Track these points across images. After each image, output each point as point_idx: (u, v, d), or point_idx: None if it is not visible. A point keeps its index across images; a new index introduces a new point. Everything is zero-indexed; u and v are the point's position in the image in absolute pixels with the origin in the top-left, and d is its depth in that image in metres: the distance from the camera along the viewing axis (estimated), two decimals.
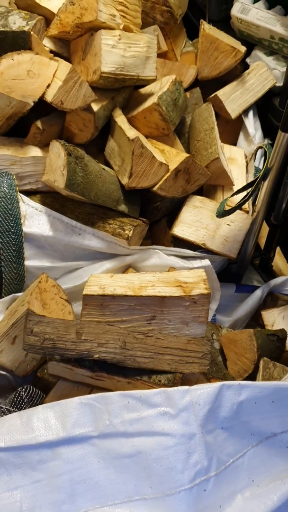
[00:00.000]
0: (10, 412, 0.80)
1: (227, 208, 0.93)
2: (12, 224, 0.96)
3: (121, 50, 0.99)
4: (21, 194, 0.99)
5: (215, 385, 0.72)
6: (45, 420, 0.72)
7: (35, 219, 0.99)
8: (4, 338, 0.89)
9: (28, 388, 0.85)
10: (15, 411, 0.80)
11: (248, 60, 1.29)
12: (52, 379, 0.88)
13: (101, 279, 0.88)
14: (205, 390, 0.71)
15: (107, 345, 0.76)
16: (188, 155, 1.01)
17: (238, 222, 1.03)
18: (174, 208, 1.11)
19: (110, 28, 0.99)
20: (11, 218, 0.96)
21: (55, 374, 0.81)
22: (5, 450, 0.69)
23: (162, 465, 0.70)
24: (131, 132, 0.99)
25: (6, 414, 0.79)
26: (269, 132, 1.23)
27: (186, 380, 0.81)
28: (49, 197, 1.04)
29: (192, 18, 1.46)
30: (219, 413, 0.72)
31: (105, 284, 0.86)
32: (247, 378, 0.93)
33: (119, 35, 0.99)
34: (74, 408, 0.72)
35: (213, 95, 1.18)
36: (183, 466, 0.69)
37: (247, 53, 1.24)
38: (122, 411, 0.71)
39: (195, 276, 0.86)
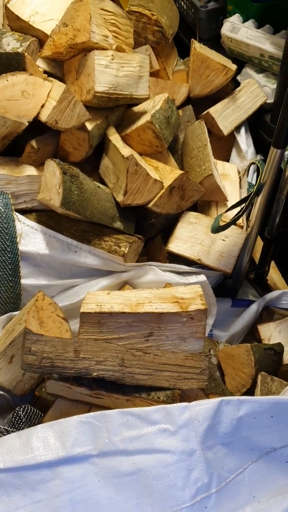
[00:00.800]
0: (8, 432, 0.79)
1: (221, 223, 0.94)
2: (8, 243, 0.96)
3: (114, 70, 1.01)
4: (16, 213, 1.00)
5: (214, 401, 0.72)
6: (44, 439, 0.71)
7: (31, 237, 1.00)
8: (2, 357, 0.89)
9: (26, 408, 0.84)
10: (14, 431, 0.80)
11: (239, 77, 1.31)
12: (50, 398, 0.87)
13: (98, 296, 0.88)
14: (204, 406, 0.71)
15: (106, 363, 0.76)
16: (182, 172, 1.03)
17: (233, 237, 1.04)
18: (169, 225, 1.12)
19: (103, 49, 1.01)
20: (7, 237, 0.96)
21: (54, 393, 0.80)
22: (4, 471, 0.69)
23: (163, 482, 0.69)
24: (125, 150, 1.00)
25: (4, 435, 0.79)
26: (261, 148, 1.25)
27: (185, 396, 0.81)
28: (44, 215, 1.04)
29: (183, 37, 1.49)
30: (218, 429, 0.72)
31: (102, 301, 0.86)
32: (245, 393, 0.93)
33: (112, 55, 1.00)
34: (73, 427, 0.72)
35: (205, 112, 1.19)
36: (183, 483, 0.69)
37: (238, 71, 1.26)
38: (121, 429, 0.71)
39: (191, 292, 0.86)
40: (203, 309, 0.82)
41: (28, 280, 1.00)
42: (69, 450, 0.71)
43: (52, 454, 0.70)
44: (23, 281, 0.99)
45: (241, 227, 1.06)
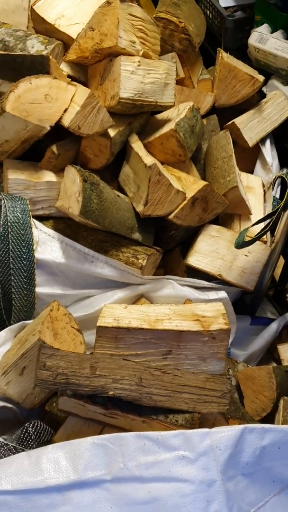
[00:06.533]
0: (17, 450, 0.76)
1: (246, 239, 0.90)
2: (24, 250, 0.93)
3: (140, 76, 0.98)
4: (34, 220, 0.97)
5: (236, 428, 0.68)
6: (55, 461, 0.68)
7: (48, 245, 0.97)
8: (12, 369, 0.85)
9: (36, 424, 0.81)
10: (22, 449, 0.76)
11: (264, 89, 1.28)
12: (61, 414, 0.83)
13: (115, 310, 0.84)
14: (226, 434, 0.67)
15: (123, 381, 0.72)
16: (206, 183, 0.99)
17: (256, 253, 1.00)
18: (188, 237, 1.08)
19: (130, 54, 0.98)
20: (23, 244, 0.93)
21: (66, 410, 0.77)
22: (13, 493, 0.65)
23: None
24: (148, 159, 0.97)
25: (12, 452, 0.75)
26: (285, 161, 1.21)
27: (203, 419, 0.77)
28: (61, 223, 1.01)
29: (207, 46, 1.46)
30: (240, 458, 0.68)
31: (120, 315, 0.83)
32: (265, 417, 0.88)
33: (139, 61, 0.97)
34: (86, 449, 0.68)
35: (230, 122, 1.16)
36: None
37: (264, 82, 1.23)
38: (137, 454, 0.67)
39: (213, 310, 0.82)
40: (226, 329, 0.79)
41: (42, 288, 0.97)
42: (81, 474, 0.67)
43: (63, 478, 0.66)
44: (38, 290, 0.96)
45: (265, 242, 1.02)
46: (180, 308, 0.84)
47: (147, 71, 0.99)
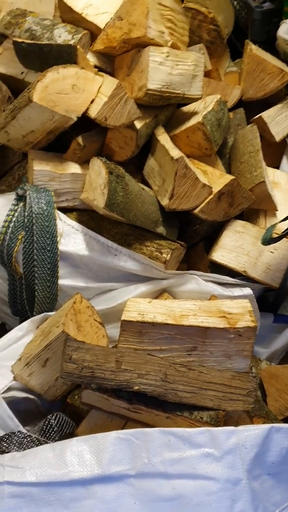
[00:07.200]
0: (39, 441, 0.75)
1: (274, 235, 0.89)
2: (48, 242, 0.93)
3: (168, 67, 0.96)
4: (58, 211, 0.96)
5: (263, 427, 0.67)
6: (79, 454, 0.67)
7: (71, 237, 0.96)
8: (35, 360, 0.85)
9: (58, 416, 0.80)
10: (45, 441, 0.76)
11: None
12: (82, 407, 0.83)
13: (139, 304, 0.84)
14: (252, 432, 0.66)
15: (148, 377, 0.72)
16: (233, 177, 0.98)
17: (282, 249, 0.99)
18: (212, 232, 1.07)
19: (158, 45, 0.97)
20: (47, 236, 0.93)
21: (89, 403, 0.76)
22: (37, 485, 0.65)
23: (204, 511, 0.65)
24: (175, 152, 0.96)
25: (36, 444, 0.75)
26: None
27: (227, 417, 0.76)
28: (85, 215, 1.01)
29: (233, 38, 1.44)
30: (266, 457, 0.67)
31: (144, 310, 0.82)
32: None
33: (167, 52, 0.96)
34: (111, 443, 0.68)
35: (257, 116, 1.14)
36: None
37: None
38: (162, 450, 0.67)
39: (239, 306, 0.81)
40: (253, 327, 0.77)
41: (65, 280, 0.96)
42: (105, 468, 0.66)
43: (87, 471, 0.66)
44: (61, 282, 0.96)
45: None
46: (206, 304, 0.83)
47: (175, 63, 0.97)
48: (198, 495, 0.65)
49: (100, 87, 0.95)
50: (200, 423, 0.71)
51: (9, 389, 0.85)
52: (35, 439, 0.75)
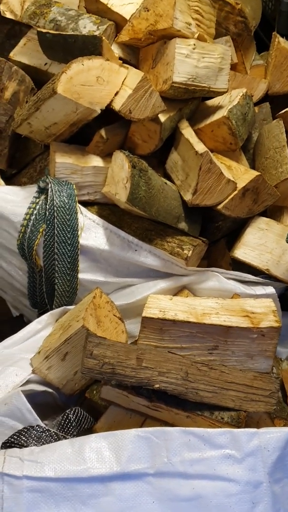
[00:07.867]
0: (58, 436, 0.75)
1: None
2: (69, 235, 0.92)
3: (195, 60, 0.94)
4: (79, 205, 0.95)
5: (286, 430, 0.66)
6: (98, 451, 0.67)
7: (92, 231, 0.95)
8: (55, 354, 0.85)
9: (77, 411, 0.80)
10: (64, 436, 0.76)
11: None
12: (101, 402, 0.83)
13: (160, 301, 0.83)
14: (275, 435, 0.65)
15: (168, 375, 0.71)
16: (258, 173, 0.96)
17: None
18: (235, 229, 1.05)
19: (185, 37, 0.95)
20: (68, 229, 0.92)
21: (108, 399, 0.76)
22: (55, 481, 0.65)
23: None
24: (200, 146, 0.94)
25: (54, 439, 0.74)
26: None
27: (248, 418, 0.75)
28: (106, 209, 1.00)
29: (259, 31, 1.41)
30: None
31: (165, 307, 0.81)
32: None
33: (194, 45, 0.94)
34: (130, 441, 0.67)
35: (283, 111, 1.12)
36: None
37: None
38: (182, 449, 0.66)
39: (263, 306, 0.80)
40: (277, 327, 0.76)
41: (85, 275, 0.96)
42: (124, 466, 0.66)
43: (106, 468, 0.65)
44: (80, 276, 0.95)
45: None
46: (228, 302, 0.82)
47: (201, 55, 0.95)
48: (218, 497, 0.64)
49: (124, 79, 0.94)
50: (220, 424, 0.70)
51: (28, 382, 0.85)
52: (53, 433, 0.75)
